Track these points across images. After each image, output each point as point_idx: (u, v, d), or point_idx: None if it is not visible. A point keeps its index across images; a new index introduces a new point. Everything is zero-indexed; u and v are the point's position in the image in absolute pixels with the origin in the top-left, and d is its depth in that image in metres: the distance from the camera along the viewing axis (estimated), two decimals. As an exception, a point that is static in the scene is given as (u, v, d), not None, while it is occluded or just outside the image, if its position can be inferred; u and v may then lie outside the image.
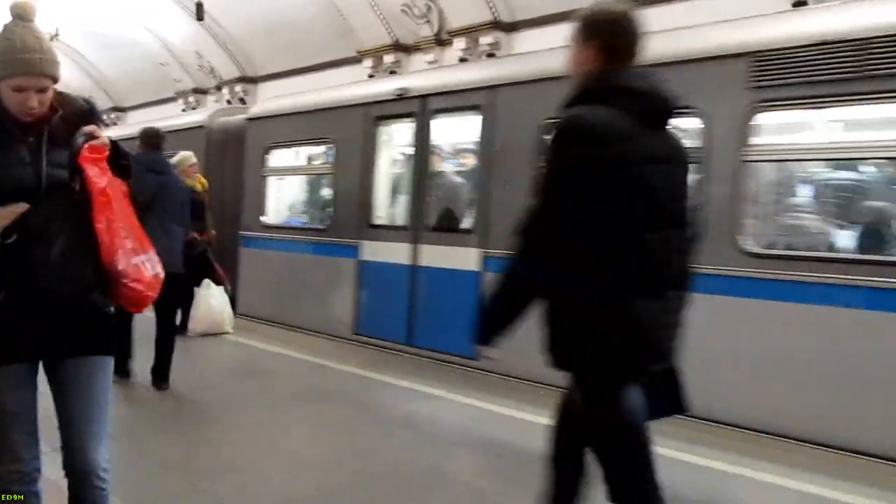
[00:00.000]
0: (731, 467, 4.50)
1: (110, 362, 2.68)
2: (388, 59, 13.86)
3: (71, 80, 21.67)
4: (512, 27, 11.97)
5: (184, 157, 8.61)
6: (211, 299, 8.38)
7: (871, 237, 5.54)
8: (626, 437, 2.52)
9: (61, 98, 2.55)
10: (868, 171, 5.87)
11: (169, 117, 13.76)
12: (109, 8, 18.29)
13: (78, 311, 2.51)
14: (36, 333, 2.48)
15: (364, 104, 8.71)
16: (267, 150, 10.08)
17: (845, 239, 5.75)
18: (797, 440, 4.97)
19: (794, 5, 7.47)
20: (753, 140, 5.40)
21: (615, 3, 2.62)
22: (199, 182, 8.63)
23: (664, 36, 5.20)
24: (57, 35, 17.08)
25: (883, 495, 4.09)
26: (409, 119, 8.17)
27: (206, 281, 8.38)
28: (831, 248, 5.75)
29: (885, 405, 4.71)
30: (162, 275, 2.64)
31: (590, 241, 2.32)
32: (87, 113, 2.62)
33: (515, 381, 6.55)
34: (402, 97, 8.23)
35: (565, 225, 2.32)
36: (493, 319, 2.52)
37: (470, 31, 12.18)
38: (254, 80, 17.85)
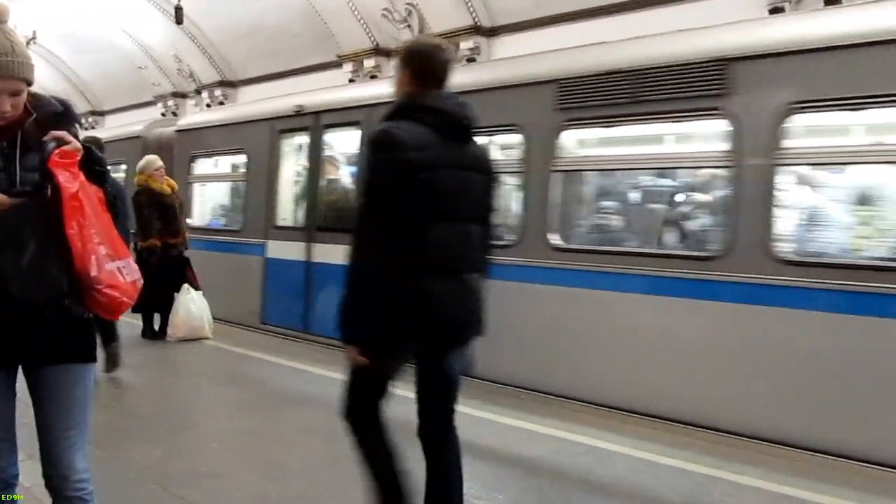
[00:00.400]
0: (713, 471, 4.53)
1: (91, 370, 2.66)
2: (369, 63, 13.89)
3: (48, 83, 21.50)
4: (492, 32, 12.04)
5: (149, 160, 8.54)
6: (190, 304, 8.32)
7: (652, 234, 6.67)
8: (370, 397, 3.18)
9: (35, 101, 2.51)
10: (649, 179, 6.90)
11: (109, 128, 15.03)
12: (87, 11, 18.19)
13: (57, 318, 2.47)
14: (12, 340, 2.45)
15: (269, 119, 9.72)
16: (192, 159, 11.05)
17: (632, 235, 6.86)
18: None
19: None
20: (558, 153, 6.50)
21: (430, 36, 3.48)
22: (167, 185, 8.56)
23: (495, 64, 8.18)
24: (34, 38, 16.96)
25: (860, 497, 4.13)
26: (305, 132, 9.15)
27: (186, 286, 8.32)
28: (620, 243, 6.72)
29: (649, 366, 5.85)
30: (140, 282, 2.61)
31: (396, 231, 2.76)
32: (61, 115, 2.58)
33: (494, 386, 6.57)
34: (299, 113, 9.17)
35: (388, 221, 2.76)
36: (353, 315, 2.89)
37: (450, 36, 12.21)
38: (233, 84, 17.80)
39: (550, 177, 6.49)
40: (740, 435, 5.14)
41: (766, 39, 5.48)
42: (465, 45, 12.06)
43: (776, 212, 5.22)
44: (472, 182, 3.01)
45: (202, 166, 11.18)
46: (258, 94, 15.70)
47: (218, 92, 17.85)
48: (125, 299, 2.53)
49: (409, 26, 13.00)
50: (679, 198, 6.57)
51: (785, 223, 5.31)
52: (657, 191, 6.74)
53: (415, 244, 2.81)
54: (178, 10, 12.77)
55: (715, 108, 5.56)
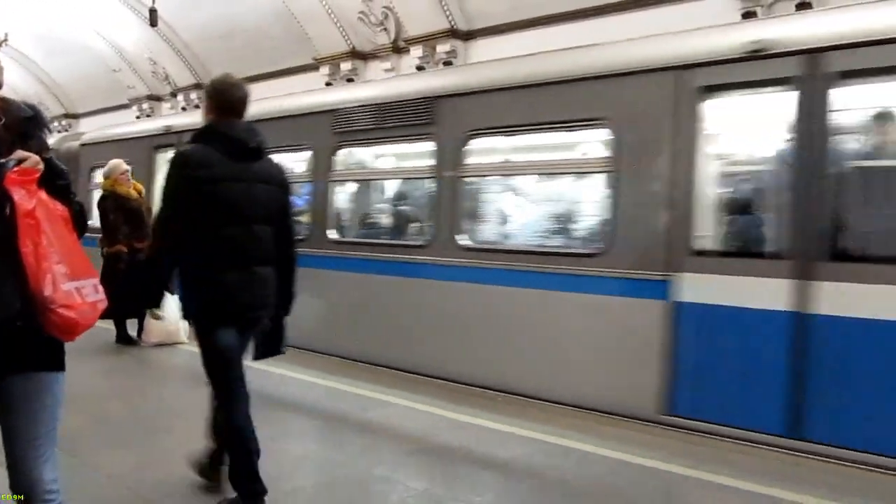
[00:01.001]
0: (688, 471, 4.56)
1: (60, 378, 2.62)
2: (346, 66, 13.86)
3: (21, 85, 21.25)
4: (468, 35, 12.06)
5: (113, 165, 8.46)
6: (165, 309, 8.22)
7: (391, 229, 8.64)
8: (217, 363, 3.71)
9: (4, 105, 2.47)
10: (390, 187, 9.15)
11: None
12: (60, 12, 18.01)
13: (22, 329, 2.43)
14: None
15: (148, 136, 11.49)
16: (92, 170, 12.16)
17: (382, 231, 8.73)
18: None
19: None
20: (334, 167, 8.39)
21: (230, 76, 3.89)
22: (134, 189, 8.48)
23: (297, 96, 9.75)
24: (6, 40, 16.76)
25: (832, 495, 4.17)
26: (173, 148, 9.05)
27: (160, 290, 8.21)
28: (376, 236, 8.63)
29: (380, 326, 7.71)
30: (102, 303, 2.55)
31: (193, 233, 3.44)
32: (31, 120, 2.54)
33: (470, 389, 6.58)
34: (167, 132, 11.00)
35: (179, 223, 3.46)
36: (155, 288, 3.88)
37: (427, 39, 12.24)
38: (209, 87, 17.69)
39: (328, 185, 8.37)
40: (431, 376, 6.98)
41: (453, 83, 7.64)
42: (442, 48, 12.08)
43: (461, 211, 7.25)
44: (260, 192, 3.68)
45: (100, 177, 11.53)
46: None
47: (193, 95, 17.73)
48: (80, 320, 2.46)
49: (385, 29, 12.99)
50: (404, 201, 8.66)
51: (465, 220, 7.29)
52: (394, 196, 8.94)
53: (210, 243, 3.54)
54: (153, 13, 12.67)
55: (427, 133, 7.41)
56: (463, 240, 7.09)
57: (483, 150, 7.31)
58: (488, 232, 7.64)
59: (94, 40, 18.75)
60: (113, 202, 8.20)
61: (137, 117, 19.11)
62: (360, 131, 8.04)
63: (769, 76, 5.34)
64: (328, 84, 13.88)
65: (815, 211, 5.10)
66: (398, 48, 13.04)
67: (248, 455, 3.69)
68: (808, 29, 5.41)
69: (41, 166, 2.42)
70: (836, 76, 5.06)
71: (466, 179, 7.23)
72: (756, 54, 5.33)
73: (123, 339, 8.37)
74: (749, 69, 5.39)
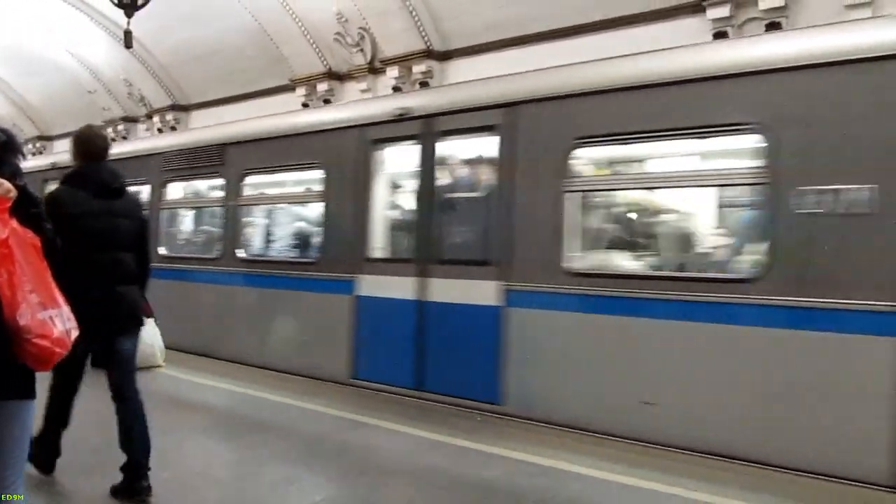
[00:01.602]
0: (667, 487, 4.59)
1: (29, 407, 2.59)
2: (322, 87, 13.86)
3: (-7, 108, 21.05)
4: (445, 56, 12.11)
5: None
6: (142, 332, 8.15)
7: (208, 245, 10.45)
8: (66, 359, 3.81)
9: None
10: (202, 213, 11.23)
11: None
12: (34, 34, 17.88)
13: None
14: None
15: (38, 171, 12.92)
16: None
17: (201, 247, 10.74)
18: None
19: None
20: (165, 198, 10.56)
21: (94, 126, 4.96)
22: None
23: (140, 140, 13.11)
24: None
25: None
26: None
27: (136, 313, 8.16)
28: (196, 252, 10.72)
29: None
30: (74, 332, 2.53)
31: (71, 259, 3.58)
32: (4, 145, 2.53)
33: (450, 409, 6.57)
34: (53, 168, 13.04)
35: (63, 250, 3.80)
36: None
37: (403, 60, 12.28)
38: (185, 109, 17.63)
39: (160, 213, 10.30)
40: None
41: (234, 133, 9.80)
42: (418, 68, 12.12)
43: (245, 232, 9.63)
44: (121, 225, 4.47)
45: None
46: (210, 118, 15.56)
47: (169, 116, 17.65)
48: (57, 349, 2.44)
49: (361, 50, 13.03)
50: (209, 225, 10.74)
51: (242, 238, 9.55)
52: (203, 221, 11.04)
53: (82, 266, 4.12)
54: (128, 35, 12.56)
55: (216, 172, 9.68)
56: (241, 253, 9.29)
57: (253, 184, 9.62)
58: (254, 247, 9.89)
59: (69, 61, 18.62)
60: None
61: (112, 139, 18.97)
62: (177, 170, 10.35)
63: (407, 133, 7.57)
64: (304, 105, 13.89)
65: (426, 229, 7.33)
66: (374, 69, 13.07)
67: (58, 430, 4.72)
68: (426, 101, 7.74)
69: (13, 194, 2.40)
70: (441, 133, 7.31)
71: (243, 207, 9.47)
72: (401, 117, 7.58)
73: (100, 362, 8.26)
74: (396, 127, 7.66)
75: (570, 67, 6.73)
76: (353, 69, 13.44)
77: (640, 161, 7.22)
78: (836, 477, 4.76)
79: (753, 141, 5.43)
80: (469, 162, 7.42)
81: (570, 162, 6.30)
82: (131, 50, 13.91)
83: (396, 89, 12.23)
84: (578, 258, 6.36)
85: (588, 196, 6.63)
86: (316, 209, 8.78)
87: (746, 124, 5.42)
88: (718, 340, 5.39)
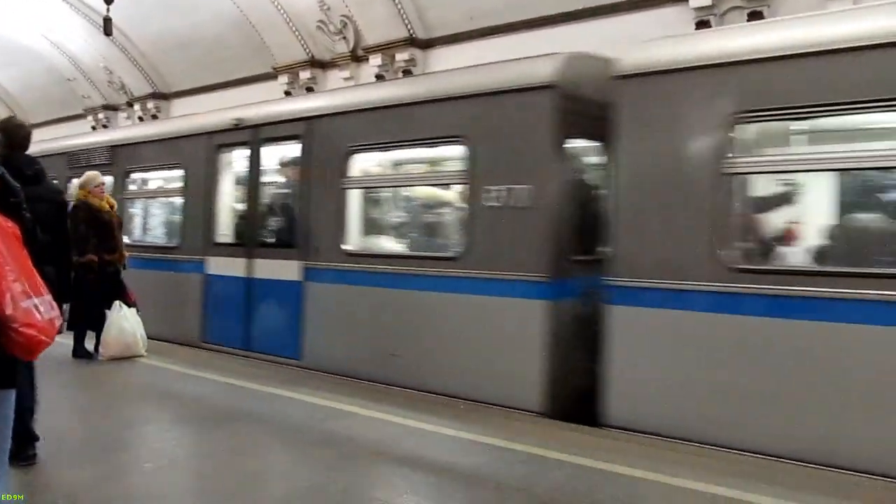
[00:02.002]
0: (649, 474, 4.61)
1: (8, 396, 2.58)
2: (305, 75, 13.82)
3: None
4: (427, 44, 12.11)
5: (90, 177, 8.46)
6: (123, 322, 8.13)
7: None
8: None
9: None
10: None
11: None
12: (12, 22, 17.65)
13: None
14: None
15: None
16: None
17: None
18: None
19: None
20: (68, 193, 10.05)
21: (16, 118, 5.57)
22: (106, 202, 8.44)
23: (53, 142, 13.14)
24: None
25: (793, 495, 4.25)
26: None
27: (118, 303, 8.14)
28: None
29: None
30: (59, 320, 2.52)
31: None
32: None
33: (433, 397, 6.59)
34: None
35: None
36: None
37: (386, 48, 12.25)
38: (166, 97, 17.51)
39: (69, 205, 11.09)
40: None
41: (120, 137, 11.64)
42: (401, 56, 12.10)
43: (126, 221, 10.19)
44: (44, 209, 4.52)
45: None
46: (192, 106, 15.46)
47: (150, 104, 17.53)
48: (43, 338, 2.44)
49: (344, 38, 12.98)
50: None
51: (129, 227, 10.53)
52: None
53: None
54: (107, 22, 12.46)
55: (107, 170, 10.44)
56: (125, 239, 9.47)
57: (134, 181, 11.11)
58: (135, 234, 11.09)
59: (47, 49, 18.44)
60: (84, 212, 8.18)
61: (93, 127, 18.84)
62: (77, 167, 11.39)
63: (241, 139, 9.01)
64: (287, 93, 13.83)
65: (253, 219, 8.89)
66: (357, 57, 13.04)
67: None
68: (254, 114, 9.02)
69: None
70: (264, 140, 8.76)
71: (127, 201, 10.81)
72: (237, 126, 8.99)
73: (81, 352, 8.24)
74: (234, 135, 9.09)
75: (347, 90, 9.38)
76: (335, 57, 13.40)
77: (395, 165, 8.45)
78: (503, 405, 6.25)
79: (461, 151, 6.80)
80: (284, 164, 8.82)
81: (347, 165, 7.74)
82: (111, 37, 13.80)
83: (379, 77, 12.22)
84: (353, 242, 7.93)
85: (360, 192, 8.17)
86: (178, 202, 10.26)
87: (456, 137, 6.82)
88: (437, 305, 6.86)
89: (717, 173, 5.27)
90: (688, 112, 5.57)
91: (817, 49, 4.93)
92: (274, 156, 8.91)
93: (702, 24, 8.93)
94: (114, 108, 18.96)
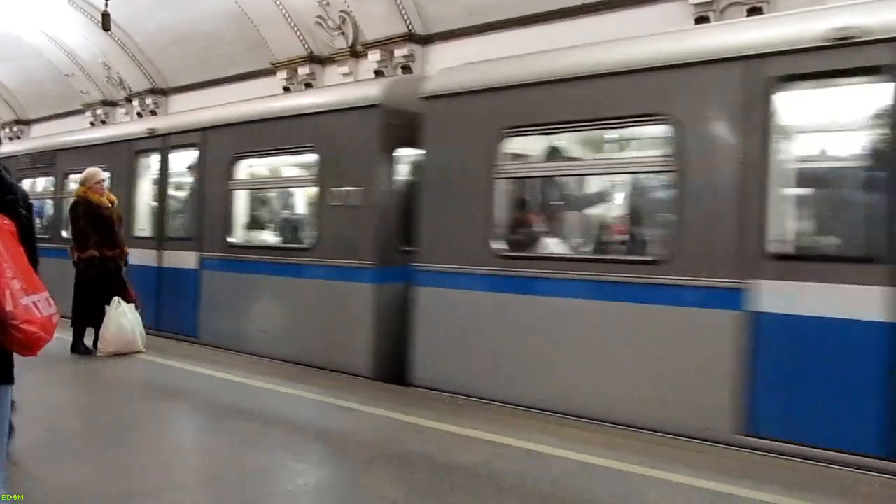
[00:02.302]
0: (647, 470, 4.62)
1: (6, 391, 2.57)
2: (303, 71, 13.79)
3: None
4: (426, 40, 12.08)
5: (91, 173, 8.45)
6: (122, 318, 8.13)
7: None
8: None
9: None
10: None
11: None
12: (10, 17, 17.60)
13: None
14: None
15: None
16: None
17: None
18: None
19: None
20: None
21: None
22: (107, 198, 8.44)
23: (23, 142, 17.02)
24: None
25: (787, 492, 4.26)
26: None
27: (116, 299, 8.13)
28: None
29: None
30: (56, 317, 2.52)
31: None
32: None
33: (433, 394, 6.59)
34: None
35: None
36: None
37: (385, 44, 12.23)
38: (164, 92, 17.48)
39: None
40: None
41: (59, 143, 12.79)
42: (400, 52, 12.08)
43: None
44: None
45: None
46: (190, 102, 15.44)
47: (149, 100, 17.49)
48: (43, 334, 2.44)
49: (343, 34, 12.95)
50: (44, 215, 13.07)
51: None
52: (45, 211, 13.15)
53: None
54: (106, 17, 12.44)
55: (49, 172, 12.46)
56: (64, 233, 10.57)
57: (72, 181, 11.42)
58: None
59: (46, 44, 18.39)
60: (84, 208, 8.21)
61: (92, 123, 18.80)
62: (26, 169, 13.01)
63: (153, 146, 10.36)
64: (286, 89, 13.80)
65: (162, 216, 10.20)
66: (356, 52, 13.01)
67: None
68: (164, 124, 10.56)
69: None
70: (172, 147, 10.05)
71: (65, 199, 11.22)
72: (151, 135, 10.36)
73: (80, 348, 8.24)
74: (148, 142, 10.47)
75: (233, 105, 10.07)
76: (334, 53, 13.37)
77: (269, 170, 9.91)
78: (346, 372, 7.40)
79: (313, 158, 8.11)
80: (188, 168, 9.81)
81: (232, 168, 8.99)
82: (109, 33, 13.78)
83: (378, 73, 12.20)
84: (237, 235, 9.15)
85: (242, 192, 9.41)
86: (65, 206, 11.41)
87: (309, 147, 8.13)
88: (296, 288, 8.10)
89: (490, 178, 6.53)
90: (470, 127, 6.76)
91: (551, 79, 6.30)
92: (179, 161, 10.10)
93: (701, 20, 8.91)
94: (112, 103, 18.92)
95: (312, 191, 8.38)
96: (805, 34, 5.09)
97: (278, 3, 13.27)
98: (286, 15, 13.38)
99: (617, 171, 6.97)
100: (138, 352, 8.21)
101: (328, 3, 12.72)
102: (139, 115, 17.49)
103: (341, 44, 13.10)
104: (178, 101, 16.97)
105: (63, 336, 7.93)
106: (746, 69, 5.27)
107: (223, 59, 15.12)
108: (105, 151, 11.13)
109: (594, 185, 7.54)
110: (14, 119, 22.58)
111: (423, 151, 7.11)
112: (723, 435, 5.20)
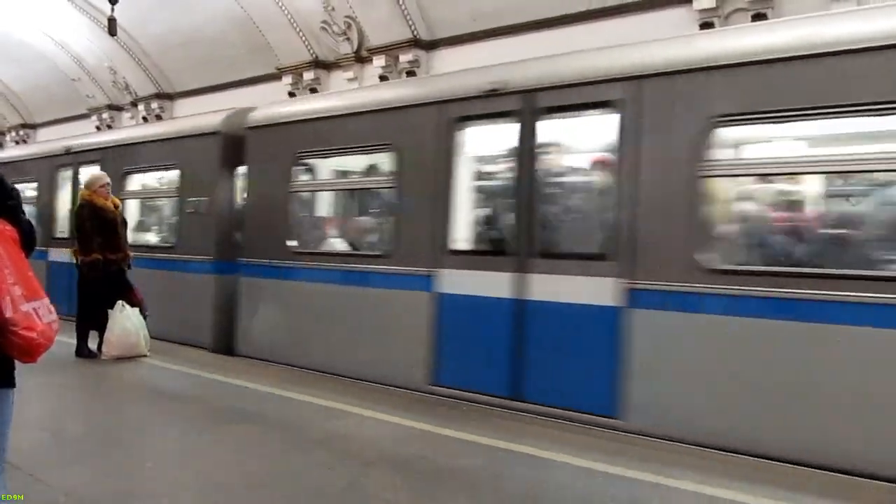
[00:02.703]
0: (652, 476, 4.60)
1: (7, 394, 2.57)
2: (308, 76, 13.82)
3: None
4: (431, 45, 12.10)
5: (96, 177, 8.49)
6: (126, 321, 8.14)
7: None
8: None
9: None
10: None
11: None
12: (17, 21, 17.69)
13: None
14: None
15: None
16: None
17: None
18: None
19: None
20: None
21: None
22: (111, 202, 8.46)
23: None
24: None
25: (793, 497, 4.25)
26: None
27: (121, 303, 8.14)
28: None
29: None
30: (57, 324, 2.53)
31: None
32: None
33: (436, 399, 6.59)
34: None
35: None
36: None
37: (390, 49, 12.25)
38: (170, 97, 17.52)
39: None
40: None
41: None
42: (405, 57, 12.10)
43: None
44: None
45: None
46: (196, 106, 15.48)
47: (154, 104, 17.54)
48: (42, 341, 2.44)
49: (348, 39, 12.98)
50: None
51: None
52: None
53: None
54: (112, 22, 12.49)
55: None
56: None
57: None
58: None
59: (53, 49, 18.47)
60: (89, 211, 8.23)
61: (97, 127, 18.87)
62: None
63: (69, 162, 12.26)
64: (291, 94, 13.84)
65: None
66: (361, 58, 13.03)
67: None
68: (78, 143, 12.33)
69: None
70: (81, 163, 11.79)
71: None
72: (67, 152, 12.16)
73: (84, 352, 8.25)
74: (65, 158, 12.32)
75: (124, 129, 14.05)
76: (339, 58, 13.41)
77: (150, 183, 11.40)
78: (198, 346, 9.09)
79: (176, 174, 10.12)
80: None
81: (124, 182, 10.80)
82: (115, 37, 13.83)
83: (383, 78, 12.23)
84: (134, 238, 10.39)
85: (136, 202, 11.42)
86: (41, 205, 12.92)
87: (174, 164, 10.14)
88: (167, 278, 9.75)
89: (287, 191, 8.42)
90: (275, 152, 8.68)
91: (318, 116, 8.40)
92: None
93: (706, 26, 8.92)
94: (118, 108, 18.99)
95: (176, 201, 10.14)
96: (471, 86, 6.84)
97: (283, 7, 13.31)
98: (291, 20, 13.42)
99: (371, 187, 8.58)
100: (142, 355, 8.22)
101: (333, 9, 12.75)
102: (144, 119, 17.55)
103: (346, 49, 13.13)
104: (183, 106, 17.03)
105: (67, 339, 7.96)
106: (439, 111, 7.00)
107: (229, 64, 15.17)
108: (30, 166, 13.15)
109: (361, 198, 9.35)
110: (20, 123, 22.67)
111: (247, 169, 9.15)
112: (418, 385, 6.92)
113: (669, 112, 5.60)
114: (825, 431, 4.84)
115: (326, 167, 8.91)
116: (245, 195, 9.27)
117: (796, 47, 5.08)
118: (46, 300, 2.53)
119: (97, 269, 8.16)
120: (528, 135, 6.41)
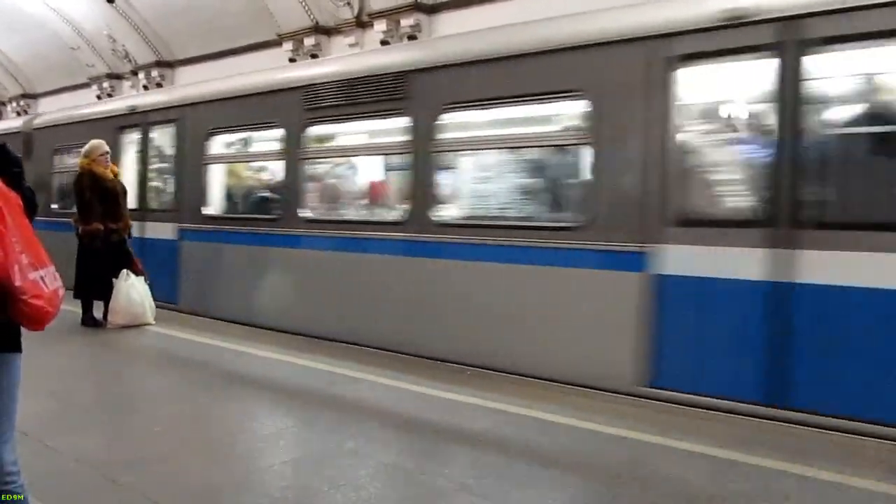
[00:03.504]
0: (653, 437, 4.64)
1: (14, 359, 2.59)
2: (309, 41, 13.69)
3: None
4: (433, 9, 11.95)
5: (94, 145, 8.43)
6: (131, 290, 8.16)
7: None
8: None
9: None
10: None
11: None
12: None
13: None
14: None
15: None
16: None
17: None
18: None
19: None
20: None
21: None
22: (110, 171, 8.43)
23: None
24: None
25: (796, 458, 4.27)
26: None
27: (125, 271, 8.16)
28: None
29: None
30: (62, 291, 2.54)
31: None
32: None
33: (440, 363, 6.61)
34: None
35: None
36: None
37: (391, 13, 12.11)
38: (171, 65, 17.39)
39: None
40: None
41: None
42: (406, 21, 11.96)
43: None
44: None
45: None
46: (197, 74, 15.37)
47: (155, 73, 17.41)
48: (50, 309, 2.46)
49: (348, 4, 12.84)
50: None
51: None
52: None
53: None
54: (110, -11, 12.40)
55: None
56: None
57: None
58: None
59: (50, 17, 18.30)
60: (89, 180, 8.20)
61: (98, 97, 18.76)
62: None
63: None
64: (291, 60, 13.73)
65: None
66: (362, 23, 12.90)
67: None
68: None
69: None
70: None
71: None
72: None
73: (89, 321, 8.29)
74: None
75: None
76: (340, 23, 13.27)
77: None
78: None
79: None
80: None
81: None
82: (113, 4, 13.70)
83: (384, 43, 12.10)
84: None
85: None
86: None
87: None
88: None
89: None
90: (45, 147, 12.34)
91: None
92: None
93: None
94: (118, 76, 18.86)
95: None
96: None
97: (283, -28, 13.16)
98: (291, -15, 13.28)
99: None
100: (148, 324, 8.26)
101: (334, -27, 12.61)
102: (145, 87, 17.43)
103: (347, 14, 12.99)
104: (184, 74, 16.90)
105: (73, 308, 7.99)
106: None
107: (228, 31, 15.02)
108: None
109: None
110: (21, 93, 22.56)
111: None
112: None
113: None
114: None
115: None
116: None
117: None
118: (52, 268, 2.54)
119: (97, 239, 8.15)
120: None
